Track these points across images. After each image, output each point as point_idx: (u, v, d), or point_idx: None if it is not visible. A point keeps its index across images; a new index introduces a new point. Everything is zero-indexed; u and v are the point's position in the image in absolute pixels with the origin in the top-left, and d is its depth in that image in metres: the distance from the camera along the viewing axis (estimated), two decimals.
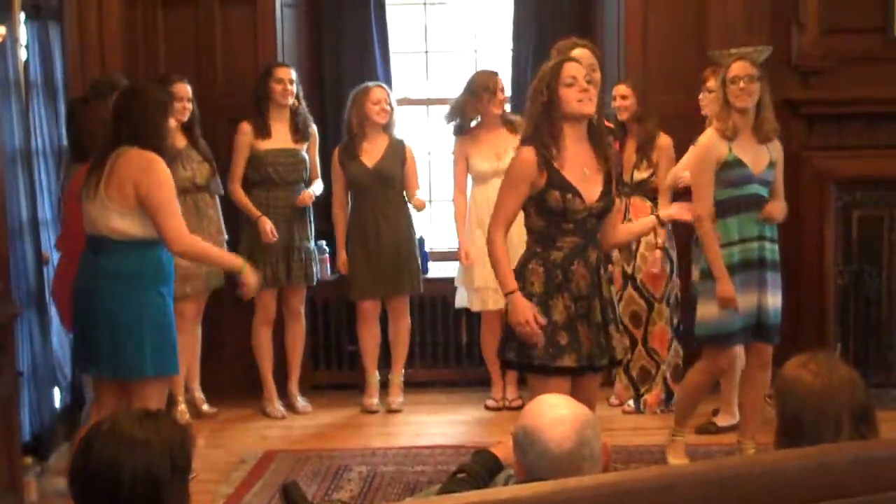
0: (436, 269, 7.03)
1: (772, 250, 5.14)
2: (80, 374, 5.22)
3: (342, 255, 6.49)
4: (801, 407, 2.65)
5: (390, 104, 6.46)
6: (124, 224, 4.44)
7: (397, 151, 6.50)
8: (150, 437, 2.44)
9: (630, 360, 6.21)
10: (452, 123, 6.43)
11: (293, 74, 6.40)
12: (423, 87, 7.56)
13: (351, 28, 7.15)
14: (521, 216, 4.36)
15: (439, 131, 7.19)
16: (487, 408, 6.52)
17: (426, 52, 7.53)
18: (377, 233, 6.42)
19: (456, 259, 6.60)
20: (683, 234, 5.96)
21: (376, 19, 7.20)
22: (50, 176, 5.69)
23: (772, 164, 5.12)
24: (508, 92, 6.59)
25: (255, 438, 6.12)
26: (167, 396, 5.95)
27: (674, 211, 4.90)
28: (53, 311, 5.48)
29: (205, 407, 6.40)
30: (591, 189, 4.27)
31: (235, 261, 4.88)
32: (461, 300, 6.55)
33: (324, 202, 6.67)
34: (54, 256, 5.56)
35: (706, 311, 5.08)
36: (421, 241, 6.86)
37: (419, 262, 6.60)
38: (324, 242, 6.74)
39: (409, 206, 6.54)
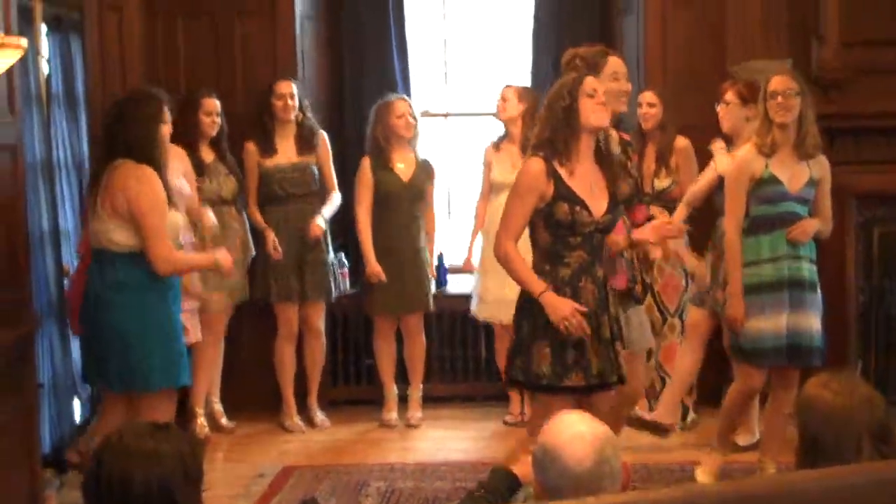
0: (455, 284, 7.02)
1: (810, 270, 5.06)
2: (88, 386, 5.22)
3: (374, 264, 6.37)
4: (821, 426, 2.64)
5: (414, 116, 6.47)
6: (123, 236, 4.47)
7: (426, 168, 6.53)
8: (161, 448, 2.43)
9: None
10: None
11: (294, 88, 6.38)
12: (442, 99, 7.56)
13: (370, 41, 7.16)
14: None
15: (459, 144, 7.22)
16: (506, 423, 6.51)
17: (446, 63, 7.53)
18: (400, 247, 6.43)
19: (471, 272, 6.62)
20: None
21: (395, 32, 7.22)
22: (71, 187, 5.71)
23: (812, 182, 5.04)
24: None
25: (274, 453, 6.11)
26: (188, 409, 6.03)
27: (643, 234, 4.70)
28: None
29: (224, 421, 6.40)
30: (598, 203, 4.27)
31: (209, 257, 4.88)
32: (475, 308, 6.54)
33: (341, 215, 6.64)
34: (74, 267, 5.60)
35: (751, 325, 5.00)
36: (440, 256, 6.86)
37: (431, 279, 6.60)
38: (343, 255, 6.73)
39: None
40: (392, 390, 6.62)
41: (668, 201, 6.10)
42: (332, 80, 7.26)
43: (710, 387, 6.21)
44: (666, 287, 6.12)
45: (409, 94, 7.15)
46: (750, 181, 5.00)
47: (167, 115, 4.66)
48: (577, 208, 4.20)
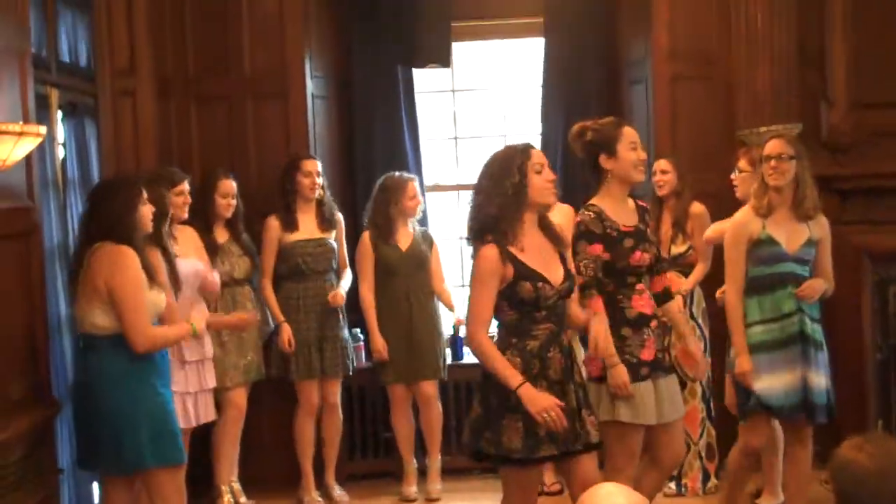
0: (469, 354, 7.00)
1: (814, 329, 5.10)
2: (83, 472, 5.17)
3: (379, 340, 6.44)
4: (857, 489, 2.62)
5: (422, 197, 6.55)
6: (106, 320, 4.48)
7: (425, 236, 6.61)
8: None
9: None
10: None
11: (319, 166, 6.46)
12: (453, 173, 7.61)
13: (381, 117, 7.24)
14: None
15: None
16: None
17: (456, 138, 7.59)
18: (409, 317, 6.46)
19: None
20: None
21: (406, 107, 7.30)
22: None
23: (811, 242, 5.10)
24: None
25: None
26: (214, 488, 6.00)
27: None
28: None
29: (242, 499, 6.35)
30: (554, 272, 4.25)
31: (187, 328, 4.82)
32: None
33: (351, 292, 6.64)
34: None
35: (762, 382, 5.02)
36: (456, 327, 6.86)
37: (444, 348, 6.61)
38: (358, 330, 6.74)
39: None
40: (411, 463, 6.60)
41: (684, 266, 6.16)
42: (344, 158, 7.33)
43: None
44: (683, 352, 6.09)
45: (420, 170, 7.22)
46: (747, 242, 5.06)
47: (145, 198, 4.69)
48: (540, 284, 4.18)
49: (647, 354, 4.62)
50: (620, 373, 4.51)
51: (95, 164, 5.85)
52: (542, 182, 4.21)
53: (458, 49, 7.42)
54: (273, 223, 6.42)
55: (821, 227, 5.17)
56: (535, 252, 4.23)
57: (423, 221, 6.79)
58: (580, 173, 4.94)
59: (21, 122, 4.31)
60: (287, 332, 6.31)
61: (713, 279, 5.87)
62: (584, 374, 4.54)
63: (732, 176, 5.78)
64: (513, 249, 4.17)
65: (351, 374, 6.57)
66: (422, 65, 7.34)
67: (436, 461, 6.60)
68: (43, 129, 4.24)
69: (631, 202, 4.78)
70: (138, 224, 4.62)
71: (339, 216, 6.58)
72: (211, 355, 5.81)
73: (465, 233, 4.37)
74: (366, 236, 6.51)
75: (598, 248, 4.57)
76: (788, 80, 6.42)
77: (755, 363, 5.03)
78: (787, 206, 5.08)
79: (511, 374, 4.11)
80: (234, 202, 6.23)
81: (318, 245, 6.43)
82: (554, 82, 7.22)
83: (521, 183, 4.17)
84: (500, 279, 4.16)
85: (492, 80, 7.63)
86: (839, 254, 6.32)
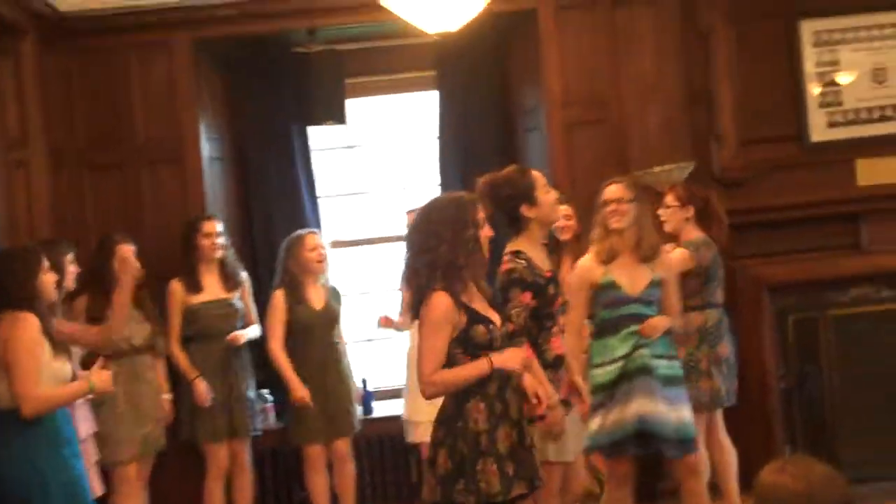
0: (381, 408, 6.99)
1: (669, 366, 5.17)
2: None
3: (299, 388, 6.29)
4: None
5: (324, 248, 6.50)
6: (4, 388, 4.38)
7: (335, 294, 6.56)
8: None
9: None
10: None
11: (219, 226, 6.40)
12: (353, 227, 7.62)
13: (278, 175, 7.22)
14: None
15: (373, 271, 7.25)
16: None
17: (354, 193, 7.61)
18: (323, 376, 6.38)
19: (399, 397, 6.58)
20: None
21: (302, 165, 7.30)
22: None
23: (654, 283, 5.20)
24: None
25: None
26: None
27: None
28: None
29: None
30: (494, 315, 4.29)
31: (82, 386, 4.66)
32: (411, 435, 6.49)
33: (260, 351, 6.58)
34: None
35: (606, 419, 5.11)
36: (364, 381, 6.84)
37: (355, 404, 6.58)
38: (266, 391, 6.67)
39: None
40: None
41: None
42: (242, 218, 7.29)
43: (645, 486, 6.22)
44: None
45: (319, 226, 7.20)
46: (590, 288, 5.16)
47: (46, 265, 4.61)
48: (491, 326, 4.20)
49: (564, 393, 4.69)
50: (560, 414, 4.60)
51: None
52: (484, 235, 4.20)
53: (353, 105, 7.43)
54: (176, 287, 6.34)
55: (664, 267, 5.29)
56: (476, 299, 4.25)
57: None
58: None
59: None
60: (201, 386, 6.21)
61: None
62: None
63: (660, 211, 5.88)
64: (463, 298, 4.17)
65: (260, 434, 6.49)
66: (317, 123, 7.35)
67: None
68: None
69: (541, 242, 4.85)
70: (40, 292, 4.53)
71: (244, 275, 6.53)
72: (93, 430, 5.68)
73: (403, 280, 4.31)
74: (279, 294, 6.43)
75: (527, 297, 4.63)
76: (678, 120, 6.62)
77: (599, 402, 5.10)
78: (629, 249, 5.18)
79: (478, 366, 4.10)
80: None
81: (223, 306, 6.36)
82: (450, 134, 7.29)
83: (476, 235, 4.18)
84: (454, 328, 4.15)
85: (388, 134, 7.66)
86: (738, 287, 6.51)
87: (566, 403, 4.75)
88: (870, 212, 6.65)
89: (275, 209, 7.25)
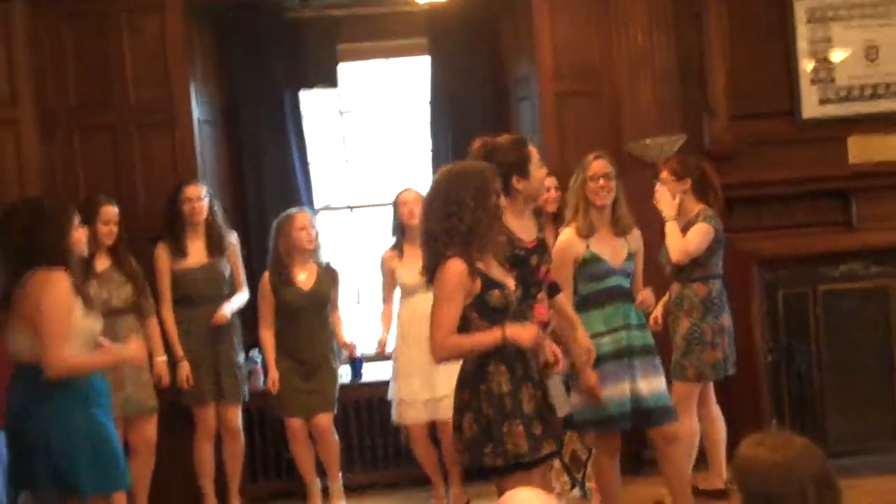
0: (369, 373, 7.01)
1: (641, 337, 5.22)
2: (20, 491, 5.03)
3: (274, 374, 6.38)
4: (764, 483, 2.67)
5: (315, 227, 6.48)
6: (34, 348, 4.37)
7: (329, 274, 6.53)
8: None
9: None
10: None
11: (203, 191, 6.38)
12: (344, 192, 7.61)
13: (269, 139, 7.21)
14: None
15: (363, 236, 7.25)
16: None
17: (345, 158, 7.60)
18: (310, 354, 6.40)
19: (387, 359, 6.58)
20: None
21: (294, 130, 7.28)
22: None
23: (630, 256, 5.26)
24: None
25: None
26: None
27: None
28: None
29: None
30: (509, 279, 4.31)
31: (118, 353, 4.75)
32: (397, 416, 6.49)
33: (252, 316, 6.59)
34: None
35: (577, 399, 5.14)
36: (350, 351, 6.84)
37: (338, 382, 6.58)
38: (256, 351, 6.68)
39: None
40: (315, 485, 6.53)
41: None
42: (234, 181, 7.28)
43: (629, 455, 6.25)
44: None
45: (310, 190, 7.19)
46: (574, 263, 5.16)
47: (77, 221, 4.60)
48: (507, 291, 4.23)
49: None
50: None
51: None
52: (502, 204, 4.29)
53: (345, 70, 7.42)
54: (161, 251, 6.34)
55: (636, 240, 5.33)
56: (493, 264, 4.27)
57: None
58: None
59: None
60: (185, 369, 6.24)
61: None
62: None
63: (657, 188, 5.88)
64: (479, 265, 4.19)
65: (247, 398, 6.52)
66: (308, 87, 7.33)
67: (336, 483, 6.54)
68: None
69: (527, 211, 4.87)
70: (71, 249, 4.51)
71: (232, 238, 6.51)
72: None
73: (426, 248, 4.30)
74: (265, 278, 6.45)
75: None
76: (670, 93, 6.59)
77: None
78: (606, 223, 5.21)
79: (491, 334, 4.14)
80: (115, 229, 6.07)
81: (207, 271, 6.36)
82: (441, 100, 7.27)
83: (497, 203, 4.22)
84: (467, 294, 4.17)
85: (379, 100, 7.64)
86: (728, 260, 6.51)
87: (546, 366, 4.77)
88: (860, 189, 6.67)
89: (266, 174, 7.23)
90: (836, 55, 6.71)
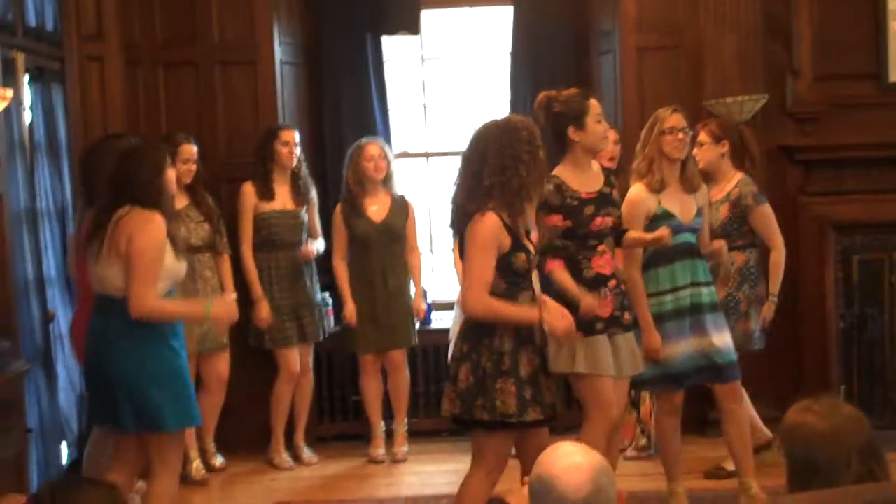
0: (438, 320, 7.06)
1: (709, 293, 5.18)
2: (99, 426, 5.16)
3: (351, 307, 6.45)
4: (810, 449, 2.66)
5: (387, 158, 6.51)
6: (121, 281, 4.44)
7: (402, 206, 6.57)
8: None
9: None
10: None
11: (297, 137, 6.45)
12: (422, 140, 7.63)
13: (350, 84, 7.22)
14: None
15: (440, 184, 7.27)
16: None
17: (424, 105, 7.61)
18: (383, 287, 6.47)
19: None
20: None
21: (374, 75, 7.29)
22: (54, 235, 5.72)
23: (699, 212, 5.20)
24: None
25: (263, 490, 6.14)
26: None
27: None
28: (60, 368, 5.51)
29: (215, 461, 6.41)
30: (530, 245, 4.36)
31: (200, 310, 4.81)
32: None
33: (324, 258, 6.69)
34: (59, 313, 5.60)
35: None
36: (424, 293, 6.91)
37: (413, 316, 6.64)
38: (327, 294, 6.77)
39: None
40: (379, 427, 6.65)
41: None
42: (313, 124, 7.31)
43: (695, 416, 6.25)
44: None
45: (388, 137, 7.22)
46: (645, 219, 5.09)
47: (170, 162, 4.68)
48: (531, 256, 4.30)
49: (603, 312, 4.73)
50: (591, 303, 4.65)
51: (63, 128, 5.85)
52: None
53: (427, 17, 7.41)
54: (249, 190, 6.41)
55: (704, 196, 5.28)
56: (516, 225, 4.31)
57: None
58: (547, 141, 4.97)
59: None
60: (265, 309, 6.33)
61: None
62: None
63: (695, 151, 5.82)
64: (508, 221, 4.23)
65: (322, 339, 6.61)
66: (390, 32, 7.33)
67: (402, 424, 6.66)
68: (9, 93, 4.23)
69: (596, 165, 4.89)
70: (166, 188, 4.58)
71: (314, 194, 6.59)
72: None
73: (466, 197, 4.34)
74: (337, 210, 6.53)
75: (555, 219, 4.70)
76: (754, 51, 6.46)
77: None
78: (675, 179, 5.15)
79: (529, 312, 4.24)
80: (194, 167, 6.17)
81: (291, 217, 6.43)
82: (523, 51, 7.22)
83: (538, 157, 4.27)
84: (499, 248, 4.22)
85: (461, 48, 7.63)
86: (803, 224, 6.44)
87: (616, 320, 4.79)
88: None
89: (345, 117, 7.26)
90: None
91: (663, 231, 4.88)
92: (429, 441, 6.80)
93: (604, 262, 4.76)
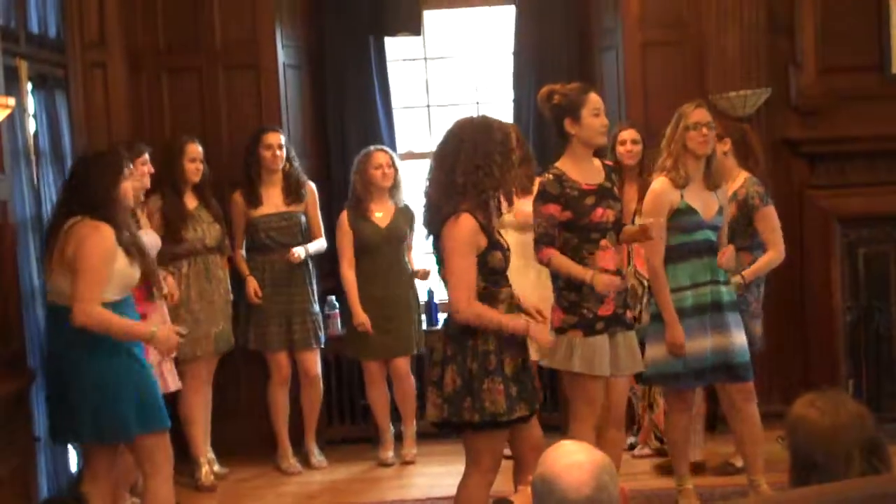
0: (443, 321, 7.03)
1: (728, 292, 5.16)
2: (59, 444, 5.12)
3: (361, 314, 6.42)
4: (810, 445, 2.66)
5: (394, 166, 6.52)
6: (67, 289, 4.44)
7: (406, 213, 6.58)
8: None
9: None
10: None
11: (282, 139, 6.45)
12: (426, 141, 7.63)
13: (353, 85, 7.23)
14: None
15: None
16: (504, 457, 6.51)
17: (428, 106, 7.60)
18: (385, 294, 6.47)
19: None
20: None
21: (378, 76, 7.29)
22: None
23: (721, 210, 5.17)
24: None
25: (271, 496, 6.14)
26: (192, 459, 6.03)
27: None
28: None
29: (216, 467, 6.39)
30: (504, 241, 4.40)
31: (143, 330, 4.62)
32: None
33: (327, 259, 6.70)
34: None
35: (655, 353, 5.12)
36: (430, 293, 6.91)
37: (420, 321, 6.64)
38: (333, 298, 6.76)
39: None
40: (388, 431, 6.66)
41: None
42: (317, 127, 7.32)
43: (706, 414, 6.23)
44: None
45: (392, 138, 7.22)
46: (669, 211, 5.07)
47: (128, 172, 4.67)
48: (507, 253, 4.35)
49: (605, 310, 4.73)
50: (606, 279, 4.63)
51: (67, 135, 5.85)
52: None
53: (429, 17, 7.41)
54: (237, 199, 6.45)
55: (725, 194, 5.26)
56: (491, 224, 4.36)
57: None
58: (553, 137, 5.01)
59: None
60: (253, 283, 6.35)
61: None
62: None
63: None
64: (483, 222, 4.24)
65: (323, 345, 6.59)
66: (393, 33, 7.33)
67: (411, 428, 6.66)
68: (12, 101, 4.24)
69: (597, 161, 4.90)
70: (121, 199, 4.58)
71: (310, 186, 6.58)
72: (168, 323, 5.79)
73: (439, 195, 4.35)
74: (343, 215, 6.52)
75: (552, 209, 4.71)
76: (757, 44, 6.46)
77: (659, 330, 5.10)
78: (700, 175, 5.12)
79: (516, 323, 4.27)
80: (201, 166, 6.20)
81: (283, 219, 6.44)
82: (525, 50, 7.21)
83: (517, 159, 4.37)
84: (476, 250, 4.24)
85: (463, 48, 7.62)
86: (808, 217, 6.42)
87: (618, 318, 4.80)
88: None
89: (349, 119, 7.26)
90: None
91: (647, 221, 4.87)
92: (437, 443, 6.77)
93: (607, 256, 4.76)
